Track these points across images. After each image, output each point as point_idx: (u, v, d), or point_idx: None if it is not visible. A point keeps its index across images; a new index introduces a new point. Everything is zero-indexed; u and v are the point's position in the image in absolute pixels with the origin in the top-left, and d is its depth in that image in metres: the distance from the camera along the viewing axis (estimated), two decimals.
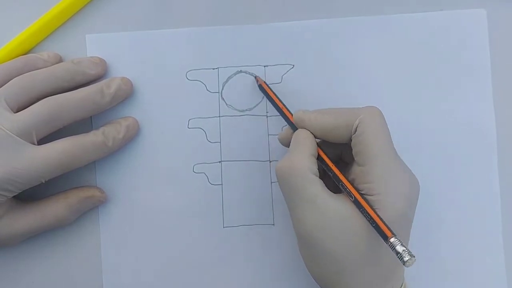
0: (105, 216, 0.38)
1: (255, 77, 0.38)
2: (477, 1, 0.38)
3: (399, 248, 0.27)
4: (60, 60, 0.38)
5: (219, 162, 0.38)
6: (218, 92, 0.38)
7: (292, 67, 0.38)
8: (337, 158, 0.35)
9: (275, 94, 0.36)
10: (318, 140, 0.33)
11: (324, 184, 0.31)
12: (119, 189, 0.38)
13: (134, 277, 0.38)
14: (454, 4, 0.38)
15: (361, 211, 0.30)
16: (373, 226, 0.29)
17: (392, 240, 0.28)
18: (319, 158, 0.33)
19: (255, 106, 0.38)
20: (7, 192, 0.33)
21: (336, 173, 0.32)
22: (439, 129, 0.38)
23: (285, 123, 0.36)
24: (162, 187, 0.38)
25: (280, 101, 0.36)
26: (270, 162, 0.38)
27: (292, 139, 0.33)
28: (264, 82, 0.37)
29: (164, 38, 0.38)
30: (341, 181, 0.31)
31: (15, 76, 0.35)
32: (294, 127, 0.34)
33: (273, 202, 0.38)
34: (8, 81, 0.34)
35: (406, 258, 0.27)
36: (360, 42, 0.38)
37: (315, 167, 0.31)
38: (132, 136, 0.37)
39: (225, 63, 0.38)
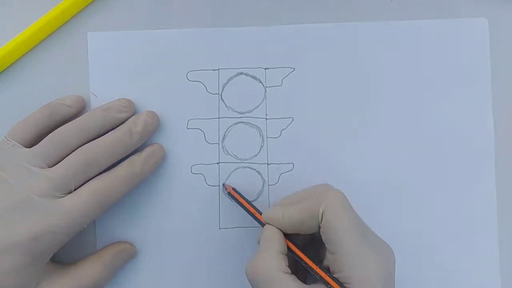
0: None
1: (223, 185, 0.37)
2: (479, 10, 0.39)
3: None
4: (83, 103, 0.37)
5: (217, 163, 0.38)
6: (218, 94, 0.38)
7: (293, 70, 0.38)
8: (308, 241, 0.34)
9: (244, 199, 0.36)
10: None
11: (296, 279, 0.31)
12: None
13: (130, 277, 0.38)
14: (456, 13, 0.39)
15: None
16: None
17: None
18: (290, 250, 0.32)
19: (254, 108, 0.38)
20: (53, 246, 0.33)
21: (310, 264, 0.31)
22: (438, 136, 0.38)
23: (285, 126, 0.36)
24: (159, 187, 0.38)
25: (251, 204, 0.35)
26: (268, 164, 0.38)
27: (261, 237, 0.33)
28: (233, 188, 0.36)
29: (165, 38, 0.38)
30: (315, 271, 0.31)
31: (43, 127, 0.35)
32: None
33: (269, 205, 0.38)
34: (37, 133, 0.35)
35: None
36: (361, 47, 0.38)
37: (283, 264, 0.31)
38: (160, 159, 0.37)
39: (226, 64, 0.38)
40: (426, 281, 0.38)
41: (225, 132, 0.38)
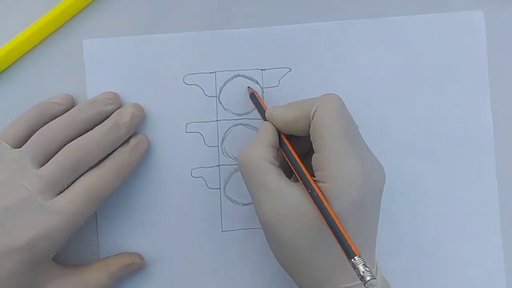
0: (103, 221, 0.38)
1: (248, 88, 0.38)
2: (475, 3, 0.38)
3: (361, 268, 0.26)
4: (72, 100, 0.38)
5: (217, 166, 0.38)
6: (216, 96, 0.38)
7: (290, 71, 0.38)
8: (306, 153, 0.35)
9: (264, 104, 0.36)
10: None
11: (282, 173, 0.32)
12: (117, 193, 0.37)
13: (132, 282, 0.38)
14: (452, 6, 0.38)
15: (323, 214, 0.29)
16: (336, 236, 0.28)
17: (356, 259, 0.27)
18: (284, 148, 0.33)
19: (252, 110, 0.38)
20: (52, 248, 0.33)
21: (297, 160, 0.32)
22: (437, 131, 0.38)
23: None
24: (160, 191, 0.38)
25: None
26: None
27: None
28: (256, 92, 0.37)
29: (161, 42, 0.38)
30: (298, 172, 0.31)
31: (34, 126, 0.35)
32: None
33: None
34: (28, 133, 0.35)
35: (368, 278, 0.26)
36: (357, 44, 0.38)
37: (271, 156, 0.32)
38: (147, 148, 0.37)
39: (222, 67, 0.38)
40: (428, 277, 0.38)
41: (224, 135, 0.38)
